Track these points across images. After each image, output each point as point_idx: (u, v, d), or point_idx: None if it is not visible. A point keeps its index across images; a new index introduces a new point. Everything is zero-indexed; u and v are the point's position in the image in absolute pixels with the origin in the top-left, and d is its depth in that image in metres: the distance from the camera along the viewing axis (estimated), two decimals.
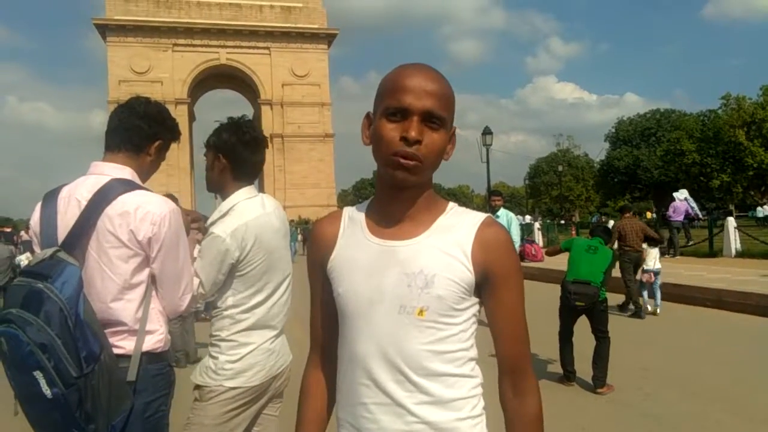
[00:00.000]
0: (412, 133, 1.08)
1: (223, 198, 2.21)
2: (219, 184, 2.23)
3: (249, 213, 2.12)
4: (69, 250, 1.76)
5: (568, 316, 5.51)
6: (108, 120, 2.04)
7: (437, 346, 1.13)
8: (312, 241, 1.30)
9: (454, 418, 1.13)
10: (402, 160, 1.09)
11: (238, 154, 2.18)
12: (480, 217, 1.19)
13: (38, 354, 1.57)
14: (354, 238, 1.21)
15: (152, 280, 1.90)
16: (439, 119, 1.11)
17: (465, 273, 1.13)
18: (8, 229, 12.45)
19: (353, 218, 1.25)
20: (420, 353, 1.12)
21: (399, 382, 1.12)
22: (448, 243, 1.15)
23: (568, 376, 5.46)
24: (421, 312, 1.12)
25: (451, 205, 1.23)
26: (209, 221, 2.18)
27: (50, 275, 1.66)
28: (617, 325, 8.14)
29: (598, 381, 5.23)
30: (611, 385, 5.21)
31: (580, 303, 5.31)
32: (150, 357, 1.85)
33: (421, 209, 1.18)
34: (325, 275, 1.23)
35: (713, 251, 15.39)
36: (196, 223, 2.24)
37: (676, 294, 9.86)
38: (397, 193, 1.16)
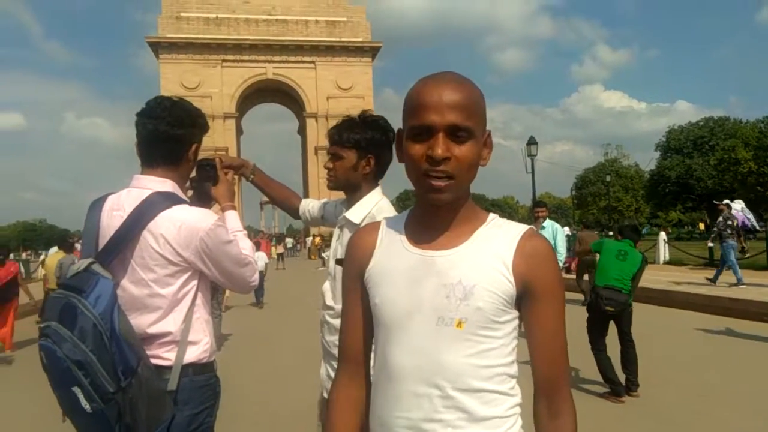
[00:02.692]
0: (438, 151, 1.05)
1: (353, 197, 2.15)
2: (355, 184, 2.15)
3: (391, 212, 2.05)
4: (105, 263, 1.75)
5: (599, 322, 5.52)
6: (136, 129, 1.95)
7: (476, 359, 1.09)
8: (349, 251, 1.27)
9: None
10: (433, 182, 1.07)
11: (385, 155, 2.14)
12: (521, 228, 1.16)
13: (75, 370, 1.57)
14: (393, 247, 1.19)
15: (199, 289, 1.90)
16: (465, 130, 1.07)
17: (506, 284, 1.10)
18: (71, 240, 12.86)
19: (392, 228, 1.23)
20: (458, 366, 1.09)
21: (435, 397, 1.09)
22: (489, 254, 1.12)
23: (618, 391, 5.28)
24: (459, 324, 1.09)
25: (492, 216, 1.20)
26: (352, 216, 2.07)
27: (84, 289, 1.65)
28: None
29: (634, 385, 5.30)
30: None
31: (610, 308, 5.38)
32: (195, 368, 1.84)
33: (461, 221, 1.16)
34: (363, 286, 1.21)
35: None
36: (241, 168, 2.29)
37: (734, 309, 9.47)
38: (434, 209, 1.14)
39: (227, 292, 14.20)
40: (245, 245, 1.99)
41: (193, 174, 2.19)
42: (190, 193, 2.19)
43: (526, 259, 1.11)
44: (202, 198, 2.19)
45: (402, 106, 1.14)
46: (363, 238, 1.25)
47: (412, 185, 1.14)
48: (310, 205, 2.54)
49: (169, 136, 1.92)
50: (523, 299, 1.13)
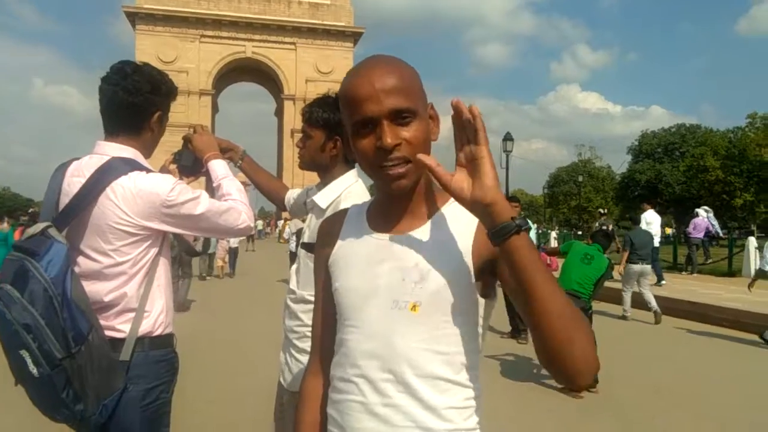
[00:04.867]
0: (388, 140, 1.01)
1: (325, 179, 2.10)
2: (325, 165, 2.10)
3: (363, 197, 1.97)
4: (61, 228, 1.73)
5: None
6: (99, 95, 1.89)
7: (431, 345, 1.06)
8: (318, 238, 1.27)
9: (443, 428, 1.06)
10: (390, 172, 1.04)
11: None
12: None
13: (22, 334, 1.56)
14: (355, 233, 1.18)
15: (160, 255, 1.88)
16: (408, 112, 1.03)
17: (464, 267, 1.06)
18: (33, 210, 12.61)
19: (355, 215, 1.22)
20: (412, 351, 1.06)
21: (389, 381, 1.06)
22: (447, 236, 1.09)
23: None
24: (414, 307, 1.06)
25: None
26: (319, 201, 2.02)
27: (38, 252, 1.63)
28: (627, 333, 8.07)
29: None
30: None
31: None
32: (152, 341, 1.83)
33: (421, 202, 1.13)
34: (327, 272, 1.20)
35: (732, 270, 15.13)
36: (228, 152, 2.24)
37: (692, 312, 9.72)
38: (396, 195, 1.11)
39: (222, 261, 15.36)
40: (231, 188, 2.01)
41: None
42: (173, 167, 2.16)
43: (485, 240, 1.03)
44: (186, 171, 2.17)
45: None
46: (328, 227, 1.24)
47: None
48: (294, 194, 2.49)
49: (127, 103, 1.86)
50: (491, 270, 1.07)
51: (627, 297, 9.78)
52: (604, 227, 12.42)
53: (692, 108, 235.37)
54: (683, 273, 15.60)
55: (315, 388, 1.24)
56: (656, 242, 12.22)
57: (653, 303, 9.39)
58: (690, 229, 15.74)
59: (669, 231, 36.58)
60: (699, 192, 45.10)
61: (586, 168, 59.95)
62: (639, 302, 9.60)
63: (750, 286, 8.40)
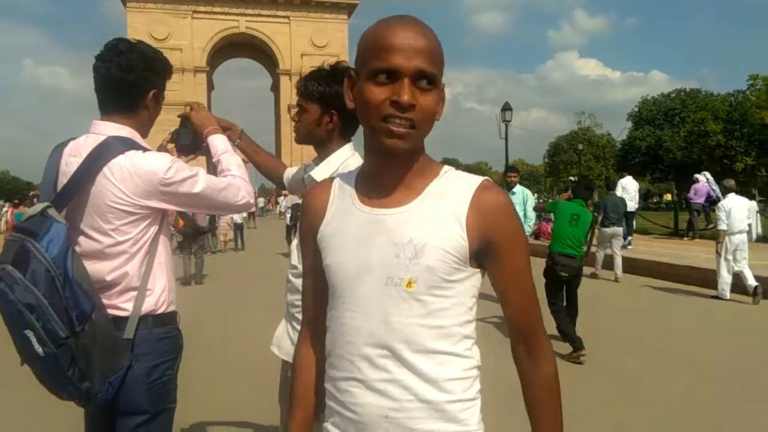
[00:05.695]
0: (405, 97, 0.99)
1: (322, 154, 2.07)
2: (321, 140, 2.06)
3: None
4: (60, 208, 1.74)
5: (555, 285, 5.98)
6: (93, 73, 1.88)
7: (427, 320, 1.06)
8: (303, 211, 1.23)
9: (443, 400, 1.06)
10: (394, 128, 1.01)
11: (351, 110, 1.99)
12: (476, 180, 1.10)
13: (26, 314, 1.58)
14: (343, 207, 1.15)
15: (160, 232, 1.89)
16: (430, 78, 1.02)
17: (458, 242, 1.05)
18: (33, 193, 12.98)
19: (343, 186, 1.18)
20: (408, 327, 1.05)
21: (386, 357, 1.06)
22: (441, 210, 1.07)
23: (577, 345, 5.55)
24: (409, 284, 1.05)
25: (446, 168, 1.15)
26: (316, 176, 1.98)
27: (38, 233, 1.64)
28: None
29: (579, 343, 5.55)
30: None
31: (564, 273, 5.88)
32: (155, 320, 1.84)
33: (414, 175, 1.10)
34: (316, 246, 1.17)
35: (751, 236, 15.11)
36: (226, 131, 2.22)
37: (695, 277, 9.77)
38: (387, 160, 1.09)
39: (223, 236, 16.34)
40: (231, 164, 2.01)
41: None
42: (171, 146, 2.16)
43: (480, 213, 1.07)
44: (185, 150, 2.16)
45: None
46: (314, 198, 1.21)
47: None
48: (292, 172, 2.47)
49: (121, 81, 1.85)
50: (484, 254, 1.09)
51: (599, 257, 10.85)
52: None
53: (693, 72, 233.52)
54: (684, 239, 15.62)
55: (308, 358, 1.26)
56: (632, 207, 13.50)
57: (619, 264, 10.48)
58: (691, 194, 15.72)
59: (669, 197, 36.55)
60: (700, 157, 44.92)
61: (586, 136, 59.54)
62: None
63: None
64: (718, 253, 8.45)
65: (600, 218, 10.20)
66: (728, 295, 8.49)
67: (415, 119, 1.01)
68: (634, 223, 15.74)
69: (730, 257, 8.44)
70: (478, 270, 1.11)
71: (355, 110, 1.10)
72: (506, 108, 21.79)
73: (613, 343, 6.30)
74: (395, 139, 1.02)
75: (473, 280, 1.11)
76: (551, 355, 1.16)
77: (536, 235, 14.98)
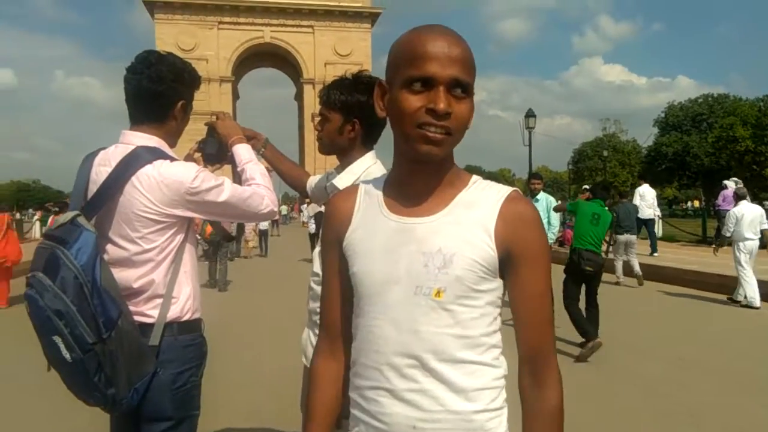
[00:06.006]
0: (441, 105, 0.99)
1: (344, 163, 2.08)
2: (343, 148, 2.06)
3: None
4: (90, 216, 1.78)
5: (575, 281, 6.16)
6: (124, 84, 1.93)
7: (455, 329, 1.05)
8: (327, 217, 1.23)
9: (471, 410, 1.06)
10: (430, 135, 1.01)
11: (374, 119, 1.91)
12: (505, 191, 1.10)
13: (55, 320, 1.60)
14: (371, 214, 1.14)
15: (186, 241, 1.92)
16: (465, 87, 1.02)
17: (487, 252, 1.05)
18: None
19: (370, 193, 1.18)
20: (437, 337, 1.05)
21: (414, 367, 1.05)
22: (470, 220, 1.07)
23: (590, 335, 5.68)
24: (438, 293, 1.04)
25: (475, 178, 1.15)
26: (338, 184, 1.99)
27: (68, 240, 1.68)
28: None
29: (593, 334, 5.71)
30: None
31: (589, 268, 6.06)
32: (181, 326, 1.86)
33: (443, 184, 1.11)
34: (341, 254, 1.16)
35: (763, 243, 14.78)
36: (251, 140, 2.24)
37: (719, 284, 9.58)
38: (417, 168, 1.09)
39: (249, 242, 16.87)
40: (255, 173, 2.04)
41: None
42: (198, 155, 2.19)
43: (508, 224, 1.07)
44: (211, 159, 2.19)
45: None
46: (340, 204, 1.20)
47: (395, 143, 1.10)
48: (315, 180, 2.49)
49: (151, 92, 1.90)
50: (506, 265, 1.08)
51: (618, 265, 10.94)
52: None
53: (720, 77, 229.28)
54: (713, 246, 15.29)
55: (327, 369, 1.23)
56: (651, 214, 13.45)
57: (637, 268, 10.55)
58: (719, 201, 15.40)
59: (697, 204, 35.86)
60: (728, 163, 43.98)
61: (611, 142, 58.78)
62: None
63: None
64: (739, 263, 8.37)
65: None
66: (758, 303, 8.28)
67: (450, 127, 1.02)
68: (660, 230, 15.49)
69: (749, 262, 8.45)
70: (503, 281, 1.11)
71: (384, 119, 1.11)
72: (530, 115, 21.65)
73: (635, 350, 6.23)
74: (431, 146, 1.03)
75: (499, 291, 1.11)
76: (559, 386, 1.12)
77: (560, 242, 14.81)
